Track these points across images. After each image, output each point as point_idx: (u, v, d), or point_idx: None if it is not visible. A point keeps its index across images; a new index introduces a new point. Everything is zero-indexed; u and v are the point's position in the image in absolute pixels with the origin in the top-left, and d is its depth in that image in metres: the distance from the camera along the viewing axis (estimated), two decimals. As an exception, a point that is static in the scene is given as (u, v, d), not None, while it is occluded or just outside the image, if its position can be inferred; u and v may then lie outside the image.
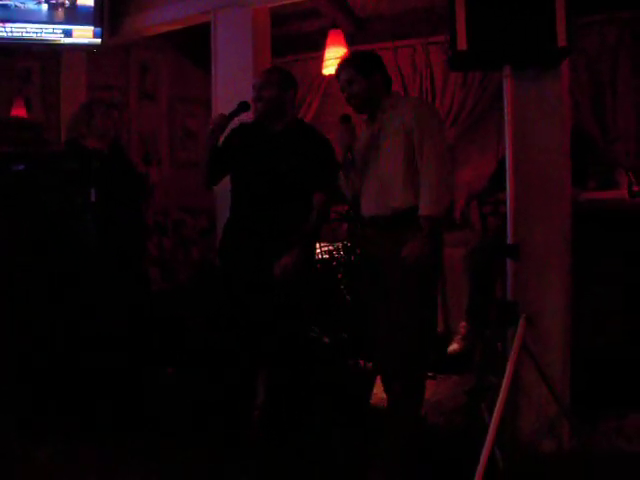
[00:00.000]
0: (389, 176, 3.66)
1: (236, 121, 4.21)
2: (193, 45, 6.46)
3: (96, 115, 4.92)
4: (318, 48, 6.58)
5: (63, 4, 5.53)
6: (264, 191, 3.97)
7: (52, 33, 5.53)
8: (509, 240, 3.61)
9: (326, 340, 4.71)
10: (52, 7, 5.51)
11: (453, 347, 5.40)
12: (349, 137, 3.84)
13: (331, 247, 4.95)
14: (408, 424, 3.59)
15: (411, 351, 3.57)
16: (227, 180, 4.26)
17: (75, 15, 5.57)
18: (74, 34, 5.58)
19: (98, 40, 5.63)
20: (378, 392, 4.51)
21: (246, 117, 4.25)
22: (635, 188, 4.96)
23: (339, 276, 4.88)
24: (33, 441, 4.11)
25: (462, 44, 3.45)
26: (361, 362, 4.67)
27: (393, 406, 3.70)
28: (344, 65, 3.90)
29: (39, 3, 5.47)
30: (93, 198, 4.54)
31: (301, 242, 3.97)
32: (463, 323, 5.39)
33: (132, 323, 4.58)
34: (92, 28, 5.59)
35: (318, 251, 4.77)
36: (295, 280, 3.94)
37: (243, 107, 4.13)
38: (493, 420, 3.18)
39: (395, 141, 3.65)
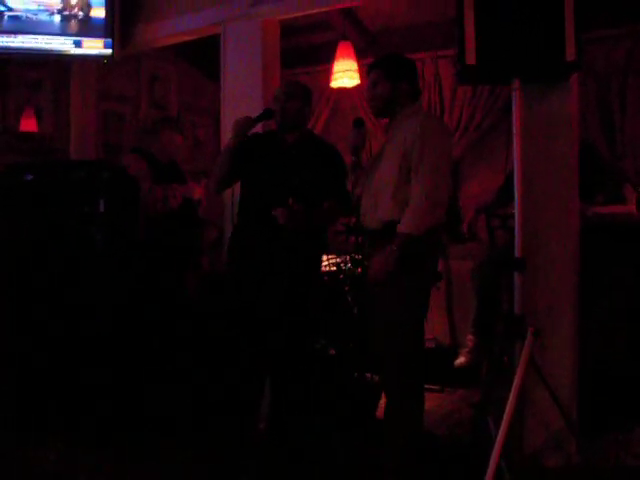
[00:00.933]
0: (382, 188, 3.63)
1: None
2: (203, 56, 6.49)
3: (165, 130, 5.17)
4: (327, 61, 6.59)
5: (76, 16, 5.56)
6: (276, 203, 3.97)
7: (63, 44, 5.56)
8: (517, 253, 3.61)
9: (332, 352, 4.71)
10: (64, 19, 5.55)
11: (460, 360, 5.40)
12: (359, 140, 3.84)
13: (339, 259, 4.96)
14: (406, 432, 3.57)
15: (398, 360, 3.56)
16: (237, 191, 4.28)
17: (86, 26, 5.60)
18: (84, 45, 5.61)
19: (109, 51, 5.66)
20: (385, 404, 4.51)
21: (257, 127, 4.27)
22: (644, 203, 4.97)
23: (346, 288, 4.88)
24: (33, 443, 4.13)
25: (470, 58, 3.46)
26: (368, 374, 4.66)
27: (390, 414, 3.68)
28: (373, 66, 3.84)
29: (51, 14, 5.51)
30: (102, 208, 4.56)
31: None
32: (470, 336, 5.39)
33: (132, 327, 4.59)
34: (103, 39, 5.62)
35: (325, 263, 4.78)
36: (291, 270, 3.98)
37: (267, 114, 4.14)
38: (500, 433, 3.17)
39: (394, 154, 3.61)
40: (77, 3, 5.56)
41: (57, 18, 5.52)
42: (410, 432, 3.56)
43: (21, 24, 5.46)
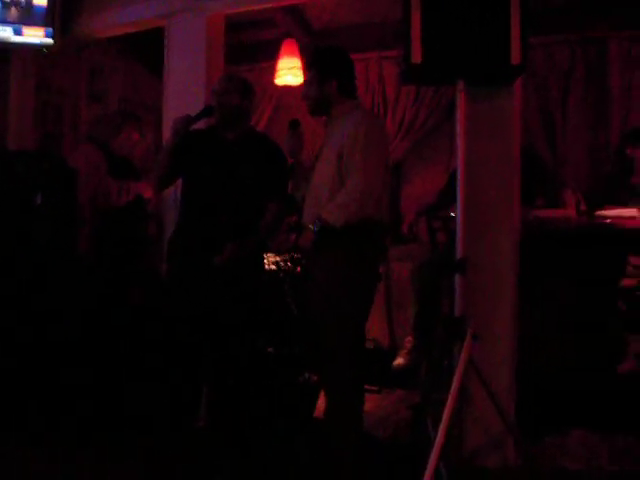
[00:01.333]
0: (319, 189, 3.63)
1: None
2: (146, 50, 6.39)
3: (126, 125, 5.16)
4: (272, 58, 6.57)
5: (17, 3, 5.44)
6: (218, 199, 3.93)
7: (2, 31, 5.43)
8: (458, 254, 3.62)
9: (271, 351, 4.68)
10: (4, 5, 5.42)
11: (398, 361, 5.40)
12: (295, 143, 3.85)
13: (278, 258, 4.93)
14: (347, 430, 3.56)
15: (339, 355, 3.55)
16: (176, 185, 4.23)
17: (27, 14, 5.48)
18: (24, 33, 5.49)
19: (49, 40, 5.54)
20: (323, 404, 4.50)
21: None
22: (583, 207, 5.02)
23: (285, 287, 4.85)
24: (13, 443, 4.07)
25: (416, 57, 3.45)
26: (306, 374, 4.64)
27: (330, 413, 3.66)
28: (310, 63, 3.85)
29: (-11, 1, 5.39)
30: (39, 201, 4.47)
31: (249, 238, 3.97)
32: (409, 337, 5.40)
33: (86, 326, 4.53)
34: (44, 28, 5.51)
35: (265, 262, 4.74)
36: (233, 268, 3.91)
37: (207, 111, 4.09)
38: (439, 435, 3.17)
39: (330, 155, 3.61)
40: (18, -11, 5.46)
41: (-5, 4, 5.40)
42: (351, 430, 3.55)
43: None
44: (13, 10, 5.44)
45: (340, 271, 3.52)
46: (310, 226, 3.53)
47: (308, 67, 3.82)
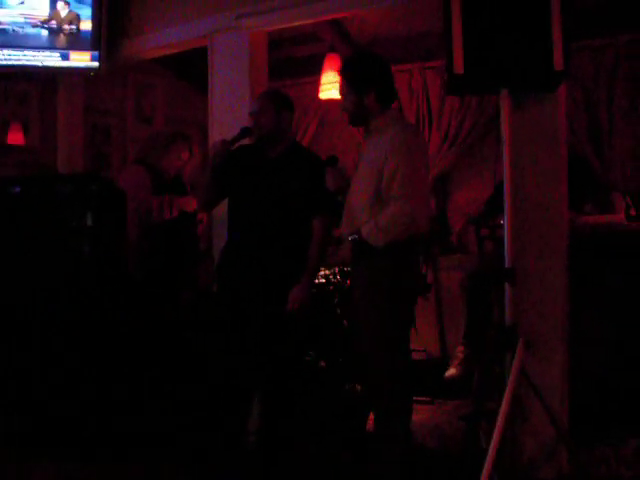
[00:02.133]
0: (357, 205, 3.60)
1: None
2: (191, 69, 6.46)
3: (174, 145, 5.25)
4: (315, 72, 6.59)
5: (63, 29, 5.54)
6: (263, 216, 3.95)
7: (49, 57, 5.53)
8: (506, 264, 3.59)
9: (322, 364, 4.69)
10: (51, 31, 5.53)
11: (450, 372, 5.37)
12: (339, 180, 3.72)
13: (327, 271, 4.94)
14: (395, 445, 3.55)
15: (383, 372, 3.54)
16: (224, 203, 4.26)
17: (74, 39, 5.59)
18: (71, 57, 5.59)
19: (96, 64, 5.64)
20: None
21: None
22: (632, 212, 4.95)
23: (335, 300, 4.86)
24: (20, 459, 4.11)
25: (459, 68, 3.45)
26: (357, 386, 4.63)
27: (378, 427, 3.66)
28: (341, 72, 3.77)
29: (38, 27, 5.49)
30: (90, 222, 4.53)
31: (308, 273, 3.98)
32: (460, 347, 5.36)
33: (123, 342, 4.57)
34: (90, 52, 5.60)
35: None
36: (305, 311, 3.95)
37: (244, 133, 4.11)
38: (491, 445, 3.15)
39: (369, 170, 3.57)
40: (67, 16, 5.54)
41: (44, 31, 5.50)
42: (397, 445, 3.53)
43: (7, 37, 5.44)
44: (62, 36, 5.55)
45: (378, 284, 3.52)
46: (349, 238, 3.56)
47: (343, 77, 3.72)
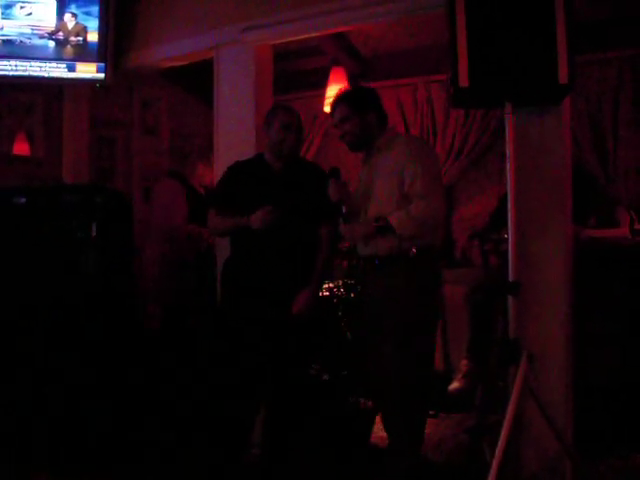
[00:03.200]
0: (383, 212, 3.63)
1: (233, 160, 4.27)
2: (196, 80, 6.48)
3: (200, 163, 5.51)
4: (320, 86, 6.61)
5: (70, 40, 5.56)
6: (270, 228, 3.95)
7: (56, 68, 5.56)
8: (510, 277, 3.59)
9: (326, 377, 4.68)
10: (58, 43, 5.54)
11: (454, 385, 5.36)
12: (341, 192, 3.74)
13: (331, 284, 4.94)
14: (407, 462, 3.55)
15: (408, 390, 3.56)
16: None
17: (80, 50, 5.61)
18: (77, 69, 5.61)
19: (102, 75, 5.66)
20: (377, 430, 4.48)
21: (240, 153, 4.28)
22: (637, 226, 4.95)
23: (339, 313, 4.85)
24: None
25: (464, 81, 3.45)
26: (361, 400, 4.63)
27: (392, 444, 3.67)
28: (338, 102, 3.88)
29: (45, 39, 5.51)
30: (94, 233, 4.55)
31: (315, 280, 4.00)
32: (464, 361, 5.36)
33: (125, 354, 4.58)
34: (96, 63, 5.63)
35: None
36: (310, 318, 3.96)
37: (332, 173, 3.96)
38: (495, 459, 3.14)
39: (387, 183, 3.65)
40: (73, 28, 5.56)
41: (51, 42, 5.51)
42: (406, 462, 3.54)
43: (14, 48, 5.46)
44: (68, 48, 5.57)
45: (401, 296, 3.56)
46: (374, 223, 3.60)
47: (338, 104, 3.87)
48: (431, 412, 5.17)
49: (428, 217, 3.54)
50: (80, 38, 5.57)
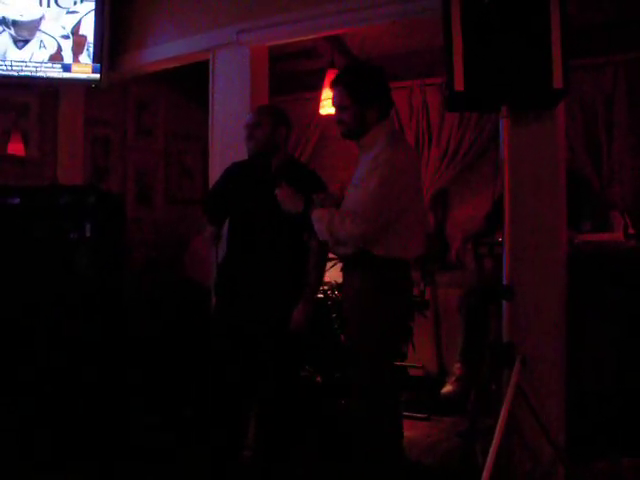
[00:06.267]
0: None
1: (229, 162, 4.26)
2: (191, 82, 6.48)
3: None
4: (316, 88, 6.61)
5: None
6: (260, 233, 3.94)
7: (51, 68, 5.56)
8: (504, 281, 3.59)
9: (319, 379, 4.68)
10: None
11: (447, 389, 5.36)
12: (327, 203, 3.56)
13: (325, 286, 4.94)
14: (378, 464, 3.49)
15: (359, 393, 3.55)
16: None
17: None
18: (73, 69, 5.62)
19: (97, 75, 5.68)
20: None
21: (236, 155, 4.28)
22: (630, 231, 4.96)
23: (333, 315, 4.85)
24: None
25: (459, 85, 3.45)
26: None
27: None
28: (339, 82, 3.57)
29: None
30: (88, 233, 4.54)
31: (308, 294, 3.96)
32: (457, 364, 5.36)
33: (117, 356, 4.58)
34: (91, 64, 5.63)
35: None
36: (307, 332, 3.95)
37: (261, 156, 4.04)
38: (487, 462, 3.14)
39: (352, 195, 3.50)
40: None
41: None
42: (386, 461, 3.48)
43: (9, 48, 5.47)
44: (65, 48, 5.58)
45: (361, 297, 3.50)
46: (315, 199, 3.51)
47: (337, 85, 3.57)
48: (423, 415, 5.18)
49: (342, 234, 3.36)
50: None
